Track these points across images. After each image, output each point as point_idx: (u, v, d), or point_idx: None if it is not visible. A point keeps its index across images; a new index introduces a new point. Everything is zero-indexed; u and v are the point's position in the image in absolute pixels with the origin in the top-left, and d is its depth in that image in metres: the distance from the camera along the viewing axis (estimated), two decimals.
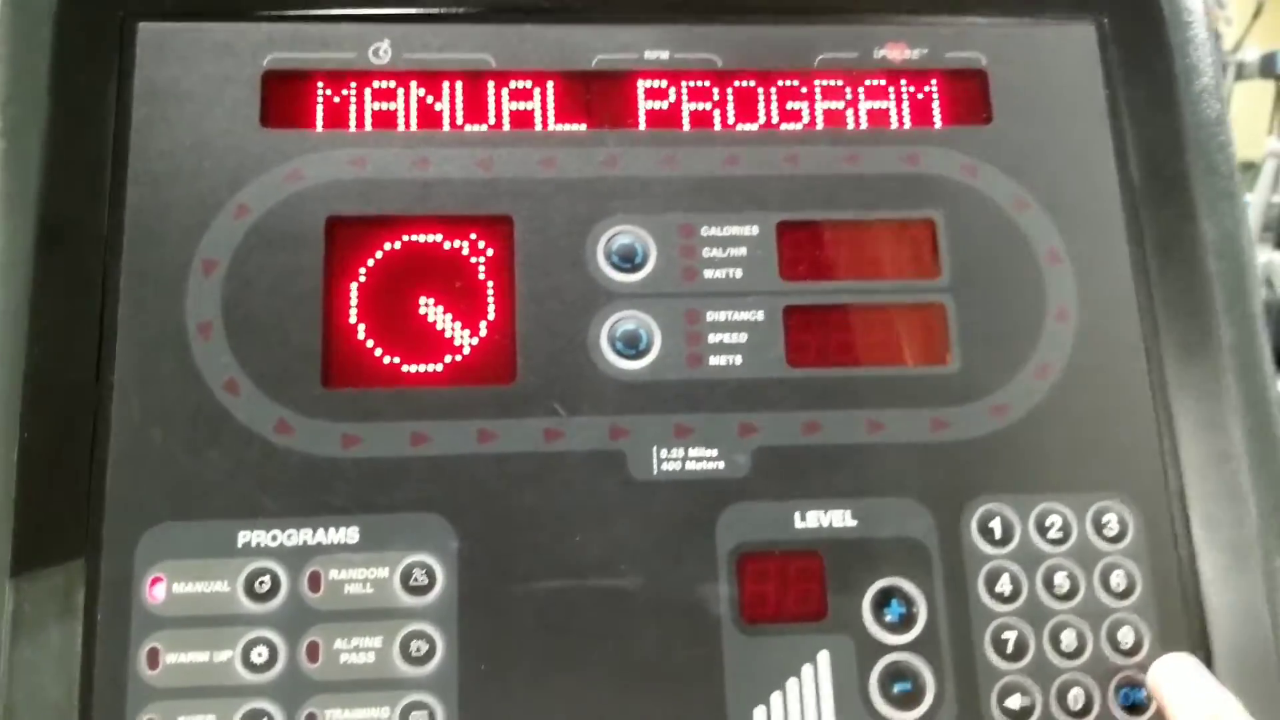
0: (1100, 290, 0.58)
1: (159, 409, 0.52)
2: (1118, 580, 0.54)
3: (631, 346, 0.55)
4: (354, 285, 0.55)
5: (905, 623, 0.52)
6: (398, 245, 0.56)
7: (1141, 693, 0.52)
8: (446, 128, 0.57)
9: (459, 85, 0.58)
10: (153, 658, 0.49)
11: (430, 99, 0.58)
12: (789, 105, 0.60)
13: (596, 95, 0.59)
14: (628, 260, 0.56)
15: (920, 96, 0.60)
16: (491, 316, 0.55)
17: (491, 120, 0.58)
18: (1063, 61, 0.61)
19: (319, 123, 0.57)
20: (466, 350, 0.55)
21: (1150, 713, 0.52)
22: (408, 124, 0.57)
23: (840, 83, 0.60)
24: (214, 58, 0.57)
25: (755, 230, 0.57)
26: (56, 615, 0.49)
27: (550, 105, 0.59)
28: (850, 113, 0.60)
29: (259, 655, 0.50)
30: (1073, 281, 0.58)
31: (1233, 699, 0.49)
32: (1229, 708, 0.49)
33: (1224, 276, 0.59)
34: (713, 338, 0.56)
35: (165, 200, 0.55)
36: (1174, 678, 0.51)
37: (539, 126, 0.58)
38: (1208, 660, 0.53)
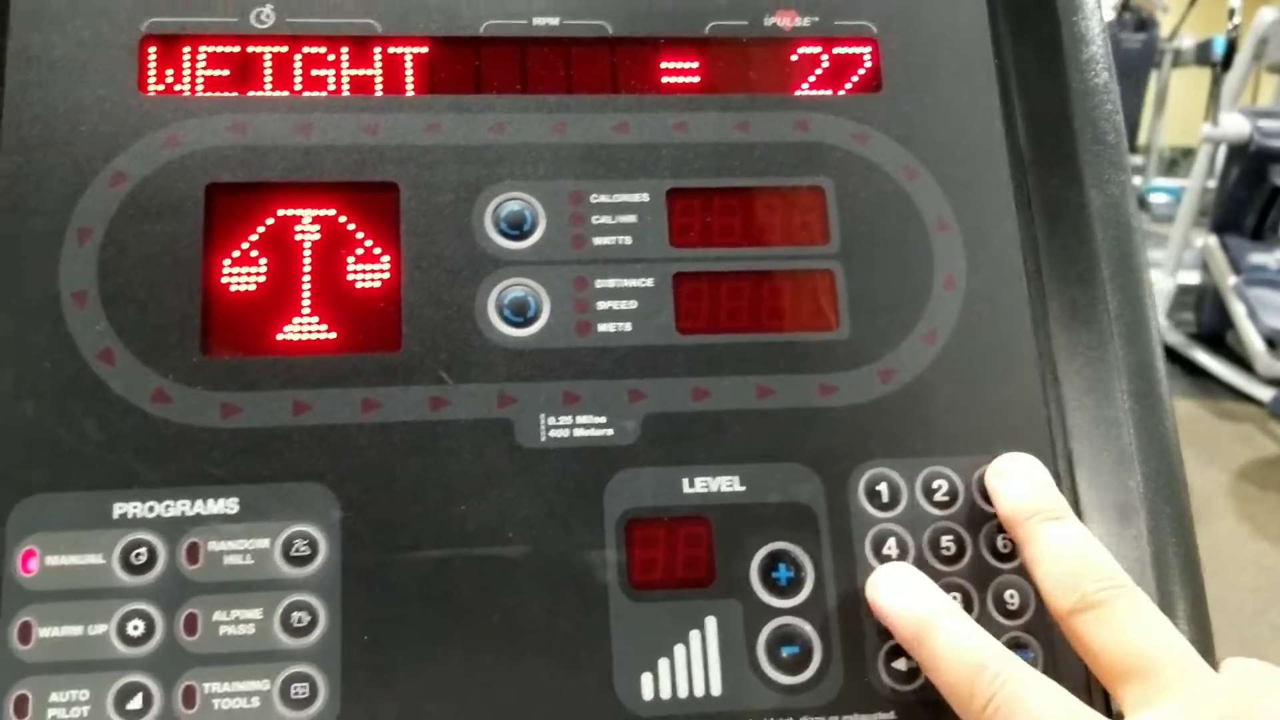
0: (988, 258, 0.58)
1: (32, 379, 0.51)
2: (1003, 543, 0.54)
3: (520, 314, 0.55)
4: (235, 252, 0.54)
5: (792, 586, 0.53)
6: (279, 213, 0.55)
7: (1029, 654, 0.53)
8: (330, 93, 0.57)
9: (343, 50, 0.57)
10: (25, 632, 0.48)
11: (314, 64, 0.57)
12: (679, 73, 0.59)
13: (485, 61, 0.58)
14: (516, 227, 0.56)
15: (811, 64, 0.60)
16: (376, 284, 0.54)
17: (377, 86, 0.57)
18: (953, 29, 0.62)
19: (199, 88, 0.56)
20: (350, 318, 0.54)
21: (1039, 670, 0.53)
22: (291, 89, 0.56)
23: (731, 50, 0.60)
24: (90, 22, 0.56)
25: (645, 197, 0.57)
26: None
27: (439, 71, 0.58)
28: (741, 80, 0.60)
29: (135, 628, 0.49)
30: (961, 249, 0.58)
31: (946, 598, 0.51)
32: (941, 606, 0.50)
33: (1110, 243, 0.59)
34: (602, 305, 0.55)
35: (39, 167, 0.53)
36: (883, 587, 0.52)
37: (426, 92, 0.57)
38: None
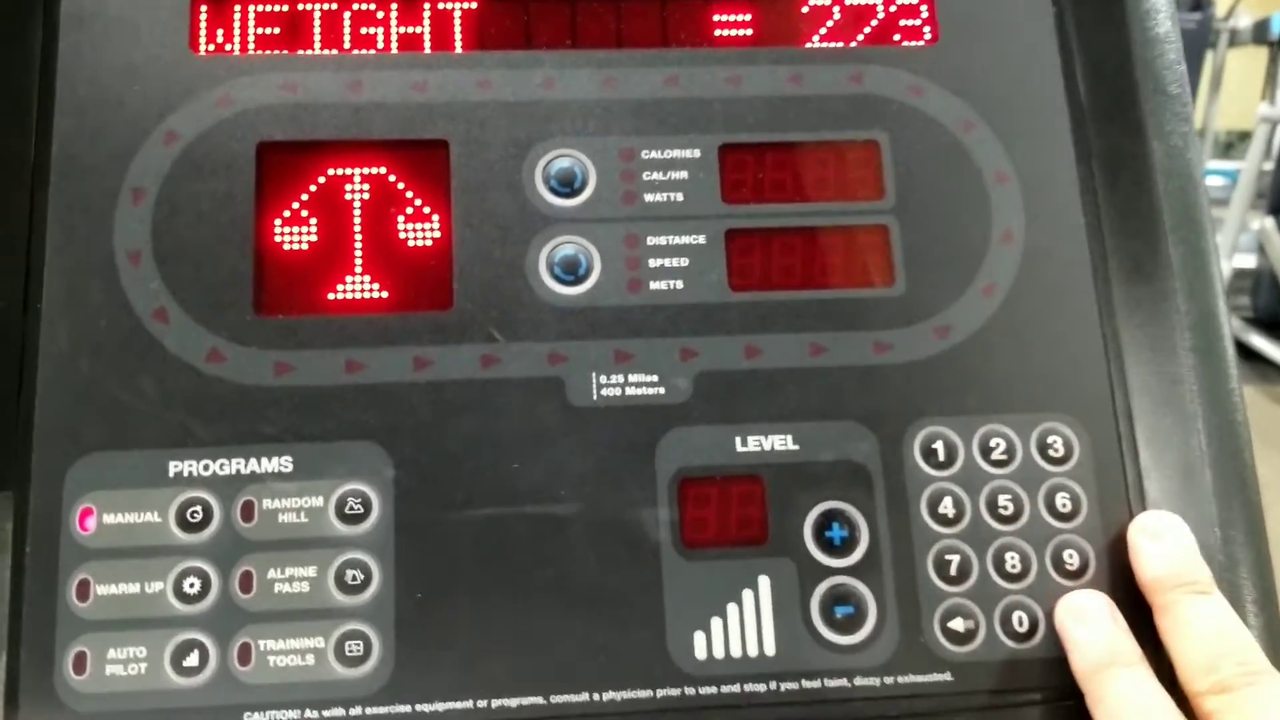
0: (1047, 211, 0.56)
1: (88, 338, 0.51)
2: (1062, 502, 0.53)
3: (570, 272, 0.54)
4: (286, 212, 0.53)
5: (847, 546, 0.52)
6: (330, 171, 0.54)
7: None
8: (380, 51, 0.56)
9: (393, 7, 0.56)
10: (83, 589, 0.48)
11: (363, 21, 0.56)
12: (731, 25, 0.58)
13: (534, 16, 0.57)
14: (566, 184, 0.55)
15: (865, 15, 0.59)
16: (427, 242, 0.54)
17: (427, 43, 0.56)
18: None
19: (249, 47, 0.55)
20: (401, 276, 0.53)
21: None
22: (340, 47, 0.56)
23: (783, 2, 0.59)
24: None
25: (696, 153, 0.56)
26: None
27: (488, 27, 0.57)
28: (793, 32, 0.58)
29: (191, 586, 0.49)
30: (1020, 202, 0.56)
31: (1133, 644, 0.49)
32: (1126, 650, 0.49)
33: (1172, 196, 0.57)
34: (653, 262, 0.54)
35: (93, 127, 0.53)
36: (1079, 617, 0.51)
37: (476, 49, 0.56)
38: None
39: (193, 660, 0.48)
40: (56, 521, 0.49)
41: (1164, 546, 0.51)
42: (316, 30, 0.56)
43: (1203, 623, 0.49)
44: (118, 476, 0.49)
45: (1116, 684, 0.48)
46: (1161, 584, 0.50)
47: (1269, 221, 3.76)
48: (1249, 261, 4.14)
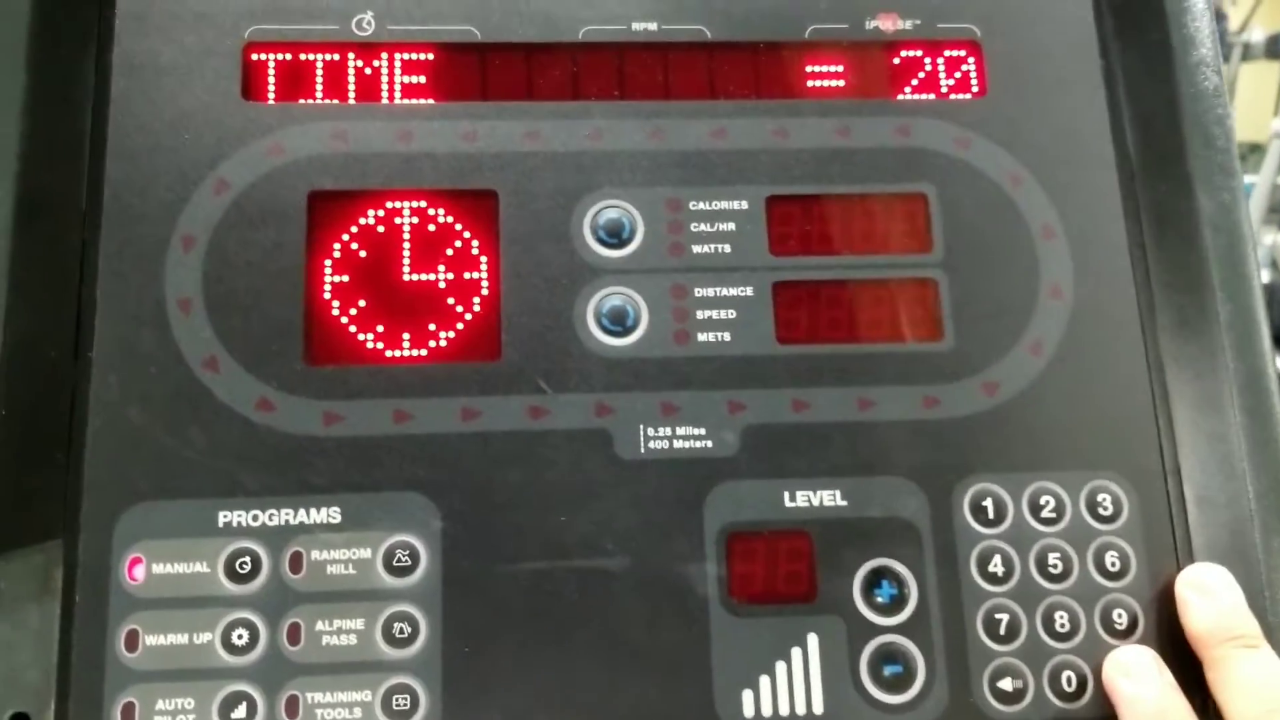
0: (1095, 266, 0.56)
1: (138, 387, 0.51)
2: (1111, 561, 0.52)
3: (618, 323, 0.54)
4: (335, 261, 0.53)
5: (896, 604, 0.51)
6: (380, 220, 0.54)
7: None
8: (430, 100, 0.56)
9: (443, 57, 0.56)
10: (131, 639, 0.48)
11: (413, 71, 0.56)
12: (779, 77, 0.58)
13: (583, 67, 0.57)
14: (614, 235, 0.55)
15: (913, 68, 0.59)
16: (477, 293, 0.53)
17: (476, 93, 0.56)
18: (1057, 32, 0.59)
19: (300, 96, 0.55)
20: (450, 327, 0.53)
21: None
22: (391, 97, 0.56)
23: (831, 54, 0.58)
24: (194, 29, 0.55)
25: (744, 205, 0.56)
26: (34, 596, 0.48)
27: (536, 78, 0.57)
28: (841, 84, 0.58)
29: (239, 637, 0.48)
30: (1068, 258, 0.56)
31: (1182, 699, 0.49)
32: (1176, 705, 0.48)
33: (1220, 251, 0.57)
34: (700, 314, 0.54)
35: (144, 175, 0.53)
36: (1127, 672, 0.50)
37: (524, 99, 0.56)
38: None
39: (240, 712, 0.48)
40: (106, 571, 0.48)
41: (1212, 600, 0.51)
42: (368, 79, 0.56)
43: (1253, 677, 0.48)
44: (167, 526, 0.49)
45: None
46: (1210, 638, 0.50)
47: None
48: (1263, 277, 4.10)
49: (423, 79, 0.56)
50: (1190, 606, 0.51)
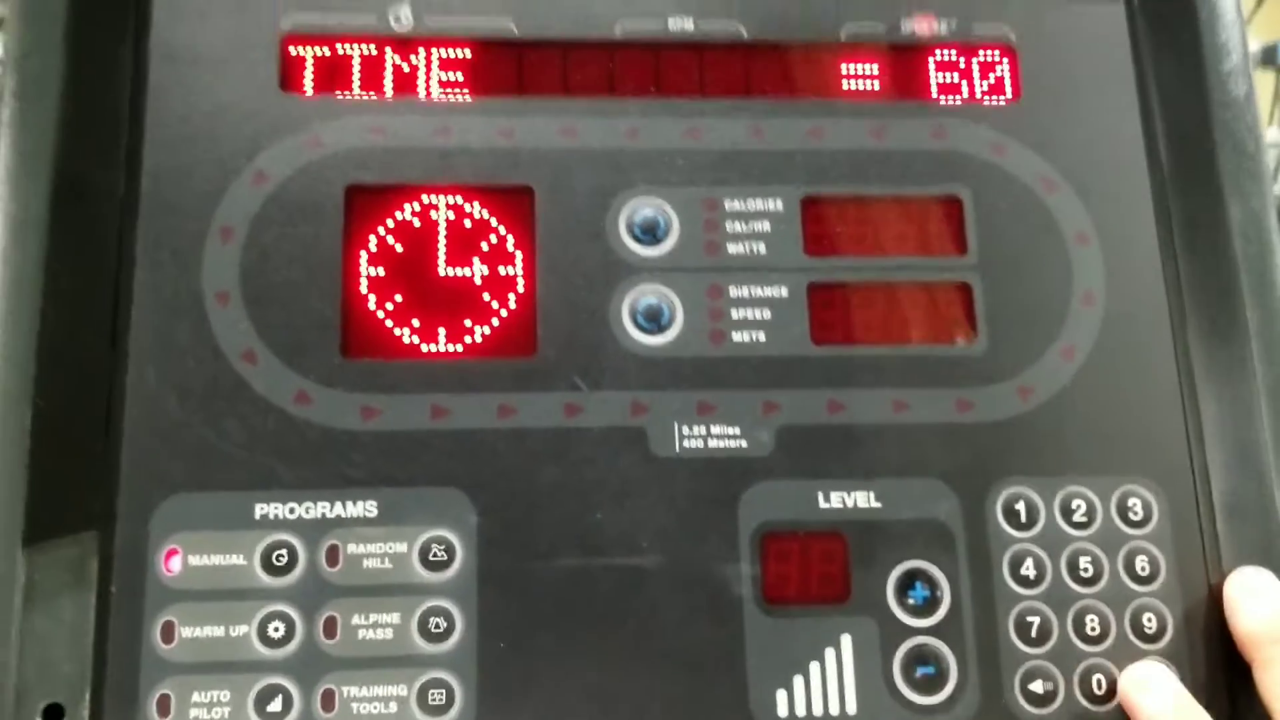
0: (1128, 272, 0.55)
1: (175, 378, 0.49)
2: (1142, 565, 0.52)
3: (653, 321, 0.53)
4: (372, 255, 0.52)
5: (929, 606, 0.50)
6: (416, 215, 0.53)
7: None
8: (467, 96, 0.55)
9: (480, 52, 0.55)
10: (167, 631, 0.47)
11: (451, 66, 0.55)
12: (814, 77, 0.57)
13: (620, 64, 0.56)
14: (649, 233, 0.54)
15: (948, 70, 0.58)
16: (512, 289, 0.52)
17: (513, 89, 0.55)
18: (1092, 38, 0.58)
19: (338, 89, 0.54)
20: (485, 323, 0.52)
21: None
22: (428, 91, 0.55)
23: (867, 55, 0.57)
24: (231, 20, 0.54)
25: (779, 205, 0.55)
26: (70, 587, 0.47)
27: (572, 74, 0.56)
28: (877, 86, 0.57)
29: (276, 630, 0.47)
30: (1100, 264, 0.55)
31: (1200, 710, 0.48)
32: (1196, 715, 0.48)
33: (1250, 258, 0.56)
34: (735, 314, 0.53)
35: (182, 165, 0.52)
36: (1143, 686, 0.49)
37: (561, 94, 0.55)
38: (1228, 649, 0.50)
39: (276, 706, 0.47)
40: (142, 562, 0.47)
41: (1263, 601, 0.50)
42: (405, 73, 0.55)
43: None
44: (204, 517, 0.48)
45: None
46: (1261, 638, 0.49)
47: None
48: None
49: (460, 75, 0.55)
50: (1240, 607, 0.50)
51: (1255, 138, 0.58)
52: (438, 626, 0.48)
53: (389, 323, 0.52)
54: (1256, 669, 0.48)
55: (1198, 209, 0.57)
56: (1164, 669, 0.50)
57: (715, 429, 0.52)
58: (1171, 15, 0.59)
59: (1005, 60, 0.58)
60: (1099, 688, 0.50)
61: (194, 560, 0.48)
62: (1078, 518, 0.52)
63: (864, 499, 0.51)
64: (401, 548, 0.49)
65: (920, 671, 0.50)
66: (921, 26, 0.58)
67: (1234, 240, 0.56)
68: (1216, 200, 0.57)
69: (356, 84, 0.54)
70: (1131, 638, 0.51)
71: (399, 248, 0.52)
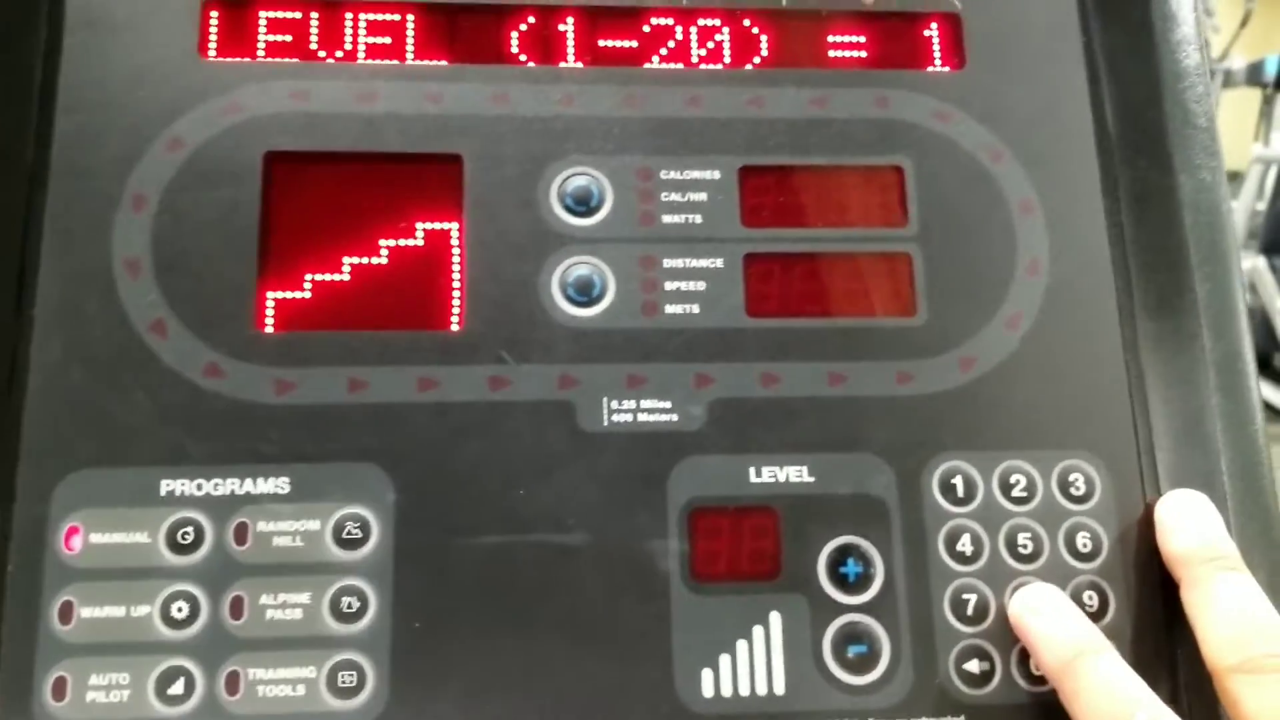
0: (1073, 243, 0.53)
1: (81, 349, 0.47)
2: (1083, 542, 0.49)
3: (584, 293, 0.50)
4: (291, 224, 0.49)
5: (861, 583, 0.48)
6: (340, 183, 0.50)
7: None
8: (395, 61, 0.52)
9: (409, 16, 0.53)
10: (66, 612, 0.44)
11: (378, 30, 0.52)
12: (755, 46, 0.54)
13: (554, 31, 0.53)
14: (582, 203, 0.51)
15: (892, 39, 0.55)
16: (437, 259, 0.50)
17: (444, 54, 0.52)
18: (1039, 6, 0.56)
19: (260, 53, 0.51)
20: (409, 293, 0.49)
21: None
22: (354, 56, 0.52)
23: (809, 23, 0.55)
24: None
25: (716, 175, 0.52)
26: None
27: (506, 41, 0.53)
28: (819, 54, 0.55)
29: (179, 610, 0.45)
30: (1045, 233, 0.53)
31: (1094, 628, 0.46)
32: (1093, 636, 0.45)
33: (1199, 230, 0.54)
34: (669, 285, 0.51)
35: (95, 132, 0.49)
36: (1034, 610, 0.47)
37: (492, 62, 0.52)
38: (1171, 625, 0.48)
39: (178, 688, 0.44)
40: (41, 540, 0.45)
41: (1192, 521, 0.48)
42: (330, 37, 0.52)
43: (1232, 598, 0.45)
44: (107, 494, 0.45)
45: (1092, 673, 0.44)
46: (1190, 557, 0.47)
47: (1260, 261, 3.71)
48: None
49: (388, 39, 0.52)
50: (1169, 527, 0.48)
51: (1205, 109, 0.56)
52: (350, 606, 0.45)
53: (306, 294, 0.49)
54: (1184, 588, 0.46)
55: (1146, 180, 0.54)
56: (1055, 590, 0.48)
57: (645, 403, 0.49)
58: None
59: (950, 28, 0.55)
60: (1037, 668, 0.47)
61: (95, 538, 0.45)
62: (1017, 493, 0.49)
63: (796, 474, 0.49)
64: (314, 525, 0.46)
65: (852, 650, 0.47)
66: None
67: (1183, 212, 0.54)
68: (1165, 172, 0.54)
69: (279, 49, 0.52)
70: None
71: (319, 217, 0.50)
